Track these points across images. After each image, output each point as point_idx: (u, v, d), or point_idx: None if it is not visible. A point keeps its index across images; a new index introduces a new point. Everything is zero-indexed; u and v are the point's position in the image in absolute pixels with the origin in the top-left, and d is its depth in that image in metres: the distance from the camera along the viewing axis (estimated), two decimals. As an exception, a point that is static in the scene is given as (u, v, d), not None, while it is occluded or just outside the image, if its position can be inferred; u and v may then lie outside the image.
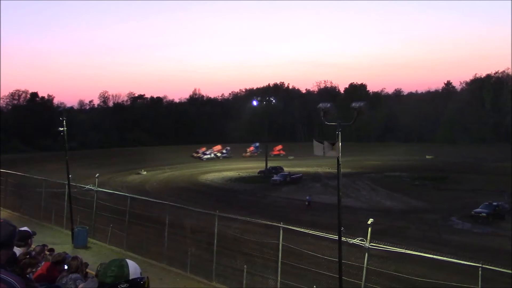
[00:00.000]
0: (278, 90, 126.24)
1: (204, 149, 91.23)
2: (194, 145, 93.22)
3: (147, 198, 28.45)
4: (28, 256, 6.23)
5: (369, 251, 13.96)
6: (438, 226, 35.25)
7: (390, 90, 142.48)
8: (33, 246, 8.13)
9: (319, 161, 65.37)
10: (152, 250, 21.56)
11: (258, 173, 68.88)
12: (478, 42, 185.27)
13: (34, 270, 7.77)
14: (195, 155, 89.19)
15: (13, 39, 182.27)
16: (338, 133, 11.72)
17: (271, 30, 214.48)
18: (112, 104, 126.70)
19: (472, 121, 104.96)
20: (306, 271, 16.87)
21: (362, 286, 14.08)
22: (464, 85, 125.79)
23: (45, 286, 6.74)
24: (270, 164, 70.41)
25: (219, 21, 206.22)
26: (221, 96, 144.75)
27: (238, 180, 63.63)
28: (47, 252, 10.93)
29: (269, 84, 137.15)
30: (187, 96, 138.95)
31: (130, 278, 3.07)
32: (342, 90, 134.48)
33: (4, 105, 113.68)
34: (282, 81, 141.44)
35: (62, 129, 24.06)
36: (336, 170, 12.41)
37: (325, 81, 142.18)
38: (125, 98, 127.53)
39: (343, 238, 12.94)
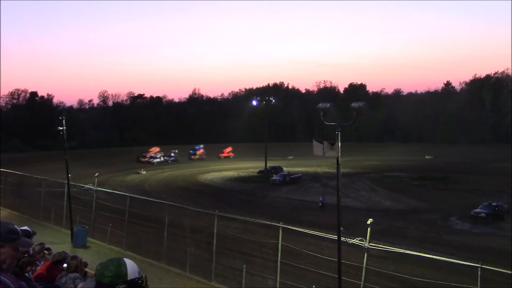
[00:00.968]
0: (277, 90, 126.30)
1: (151, 152, 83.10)
2: (193, 144, 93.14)
3: (146, 198, 28.43)
4: (26, 255, 6.23)
5: (368, 251, 13.97)
6: (437, 227, 35.25)
7: (389, 90, 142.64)
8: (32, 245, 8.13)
9: (318, 161, 65.38)
10: (152, 249, 21.55)
11: (258, 173, 68.89)
12: (478, 42, 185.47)
13: (33, 268, 7.77)
14: (143, 159, 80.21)
15: (13, 39, 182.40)
16: (337, 133, 11.74)
17: (270, 30, 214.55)
18: (111, 103, 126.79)
19: (472, 122, 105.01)
20: (305, 271, 16.88)
21: (362, 286, 14.08)
22: (463, 86, 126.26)
23: (44, 285, 6.74)
24: (270, 164, 70.40)
25: (219, 21, 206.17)
26: (220, 96, 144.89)
27: (238, 180, 63.59)
28: (46, 252, 10.93)
29: (268, 84, 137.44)
30: (187, 96, 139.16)
31: (128, 278, 3.02)
32: (341, 90, 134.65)
33: (4, 104, 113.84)
34: (281, 81, 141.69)
35: (61, 128, 24.05)
36: (335, 170, 12.42)
37: (324, 81, 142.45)
38: (125, 98, 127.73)
39: (342, 238, 12.95)
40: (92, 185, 26.50)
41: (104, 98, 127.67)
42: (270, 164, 70.55)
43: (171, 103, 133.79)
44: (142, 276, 3.12)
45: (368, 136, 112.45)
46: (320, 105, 12.22)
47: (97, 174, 28.77)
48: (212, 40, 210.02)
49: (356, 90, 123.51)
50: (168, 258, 20.49)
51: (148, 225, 23.74)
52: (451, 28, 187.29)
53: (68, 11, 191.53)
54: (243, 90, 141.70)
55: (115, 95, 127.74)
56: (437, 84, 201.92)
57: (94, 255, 20.13)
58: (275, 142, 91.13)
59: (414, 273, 15.53)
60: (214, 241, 18.48)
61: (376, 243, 14.16)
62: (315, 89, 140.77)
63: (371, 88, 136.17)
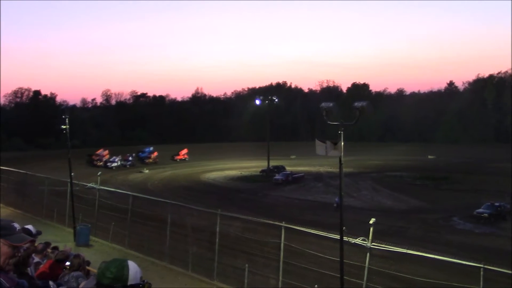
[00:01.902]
0: (280, 89, 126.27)
1: (106, 155, 75.59)
2: (195, 143, 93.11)
3: (149, 197, 28.46)
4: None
5: (370, 251, 13.97)
6: (439, 226, 35.22)
7: (392, 90, 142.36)
8: (36, 244, 8.17)
9: (321, 160, 65.35)
10: (154, 248, 21.58)
11: (260, 172, 68.91)
12: (481, 42, 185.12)
13: (34, 261, 7.79)
14: (98, 163, 71.98)
15: (16, 38, 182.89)
16: (340, 133, 11.72)
17: (273, 30, 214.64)
18: (114, 102, 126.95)
19: (474, 121, 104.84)
20: (307, 271, 16.86)
21: (364, 285, 14.08)
22: (466, 85, 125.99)
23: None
24: (272, 163, 70.36)
25: (222, 20, 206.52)
26: (223, 95, 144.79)
27: (240, 179, 63.65)
28: (49, 250, 10.97)
29: (271, 83, 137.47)
30: (190, 95, 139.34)
31: (129, 282, 2.96)
32: (344, 89, 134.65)
33: (7, 103, 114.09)
34: (284, 80, 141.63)
35: (64, 127, 24.13)
36: (338, 170, 12.41)
37: (327, 81, 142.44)
38: (128, 97, 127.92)
39: (345, 238, 12.95)
40: (95, 184, 26.53)
41: (107, 97, 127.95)
42: (272, 163, 70.51)
43: (174, 102, 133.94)
44: (144, 281, 3.06)
45: (370, 136, 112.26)
46: (323, 104, 12.21)
47: (99, 172, 28.84)
48: (215, 39, 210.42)
49: (359, 90, 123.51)
50: (170, 257, 20.52)
51: (151, 224, 23.76)
52: (454, 28, 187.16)
53: (72, 10, 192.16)
54: (246, 89, 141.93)
55: (118, 94, 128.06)
56: (440, 83, 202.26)
57: (96, 254, 20.18)
58: (277, 141, 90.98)
59: (416, 273, 15.50)
60: (217, 240, 18.49)
61: (378, 243, 14.16)
62: (318, 88, 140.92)
63: (374, 87, 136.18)
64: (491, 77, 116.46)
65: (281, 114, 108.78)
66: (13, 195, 32.85)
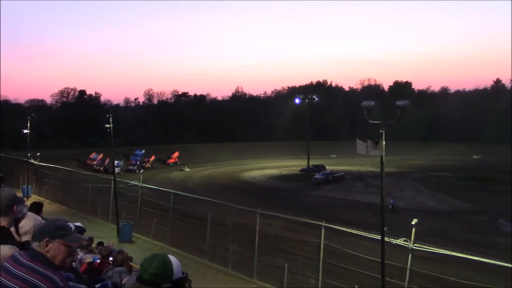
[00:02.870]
0: (320, 88, 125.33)
1: (101, 156, 68.74)
2: (235, 142, 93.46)
3: (190, 195, 28.81)
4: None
5: (413, 252, 13.71)
6: (484, 228, 34.24)
7: (436, 88, 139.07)
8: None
9: (362, 160, 64.57)
10: (194, 246, 21.82)
11: (300, 171, 68.67)
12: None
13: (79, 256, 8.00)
14: (99, 168, 65.10)
15: (62, 39, 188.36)
16: (382, 132, 11.57)
17: (314, 28, 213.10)
18: (156, 101, 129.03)
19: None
20: (347, 271, 16.72)
21: (406, 287, 13.84)
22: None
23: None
24: (312, 162, 70.02)
25: (262, 19, 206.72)
26: (263, 94, 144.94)
27: (280, 178, 63.57)
28: (93, 246, 11.27)
29: (311, 82, 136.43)
30: (230, 94, 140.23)
31: (174, 277, 2.89)
32: (386, 88, 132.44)
33: (54, 102, 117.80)
34: (325, 79, 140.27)
35: (108, 126, 24.69)
36: (379, 169, 12.25)
37: (369, 79, 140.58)
38: (169, 96, 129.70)
39: (386, 239, 12.76)
40: (138, 182, 27.06)
41: (149, 96, 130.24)
42: (312, 162, 70.17)
43: (214, 101, 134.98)
44: (184, 273, 3.02)
45: (413, 135, 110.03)
46: (364, 103, 12.07)
47: (142, 170, 29.41)
48: (255, 38, 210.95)
49: (401, 88, 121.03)
50: (210, 255, 20.71)
51: (191, 221, 24.06)
52: (501, 25, 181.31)
53: (115, 11, 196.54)
54: (286, 88, 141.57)
55: (160, 93, 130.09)
56: (486, 81, 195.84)
57: (139, 250, 20.56)
58: (317, 140, 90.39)
59: (460, 275, 15.12)
60: (256, 238, 18.55)
61: (420, 244, 13.89)
62: (359, 87, 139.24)
63: (417, 86, 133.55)
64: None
65: (321, 113, 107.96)
66: (59, 192, 33.93)
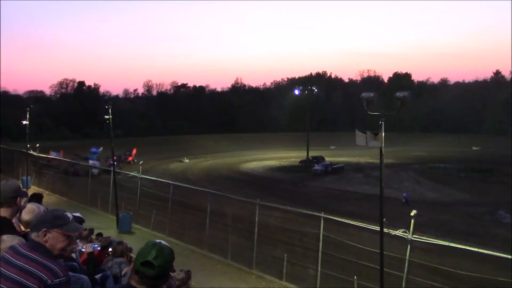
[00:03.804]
0: (320, 79, 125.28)
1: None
2: (235, 134, 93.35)
3: (189, 186, 28.79)
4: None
5: (412, 243, 13.73)
6: (484, 220, 34.32)
7: (435, 79, 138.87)
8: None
9: (361, 151, 64.56)
10: (194, 237, 21.85)
11: (300, 162, 68.71)
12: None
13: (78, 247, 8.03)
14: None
15: (61, 31, 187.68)
16: (381, 123, 11.52)
17: (314, 19, 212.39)
18: (155, 93, 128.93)
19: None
20: (347, 262, 16.76)
21: (404, 278, 13.89)
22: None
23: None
24: (312, 153, 70.01)
25: (261, 11, 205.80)
26: (263, 85, 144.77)
27: (279, 170, 63.67)
28: (93, 237, 11.29)
29: (311, 73, 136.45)
30: (229, 85, 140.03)
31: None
32: (386, 79, 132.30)
33: (53, 94, 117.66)
34: (324, 70, 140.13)
35: (107, 117, 24.64)
36: (378, 161, 12.23)
37: (368, 70, 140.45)
38: (169, 87, 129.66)
39: (385, 230, 12.77)
40: (137, 173, 27.05)
41: (148, 87, 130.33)
42: (312, 154, 70.14)
43: (213, 92, 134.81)
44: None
45: (413, 127, 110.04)
46: (363, 94, 12.01)
47: (141, 162, 29.41)
48: (255, 29, 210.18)
49: (401, 80, 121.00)
50: (210, 245, 20.75)
51: (191, 212, 24.09)
52: (500, 16, 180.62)
53: (114, 2, 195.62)
54: (286, 79, 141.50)
55: (159, 84, 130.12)
56: (486, 73, 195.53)
57: (138, 241, 20.54)
58: (317, 131, 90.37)
59: (459, 266, 15.16)
60: (256, 229, 18.57)
61: (420, 235, 13.91)
62: (359, 78, 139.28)
63: (416, 77, 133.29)
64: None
65: (320, 104, 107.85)
66: (58, 182, 33.94)
